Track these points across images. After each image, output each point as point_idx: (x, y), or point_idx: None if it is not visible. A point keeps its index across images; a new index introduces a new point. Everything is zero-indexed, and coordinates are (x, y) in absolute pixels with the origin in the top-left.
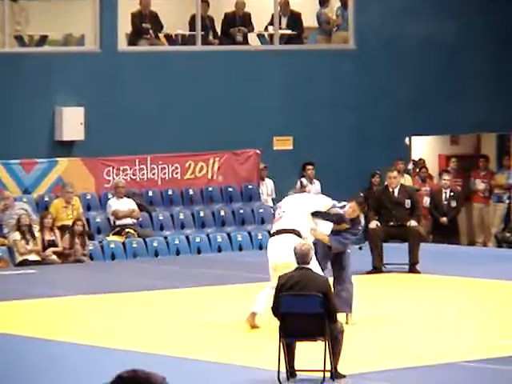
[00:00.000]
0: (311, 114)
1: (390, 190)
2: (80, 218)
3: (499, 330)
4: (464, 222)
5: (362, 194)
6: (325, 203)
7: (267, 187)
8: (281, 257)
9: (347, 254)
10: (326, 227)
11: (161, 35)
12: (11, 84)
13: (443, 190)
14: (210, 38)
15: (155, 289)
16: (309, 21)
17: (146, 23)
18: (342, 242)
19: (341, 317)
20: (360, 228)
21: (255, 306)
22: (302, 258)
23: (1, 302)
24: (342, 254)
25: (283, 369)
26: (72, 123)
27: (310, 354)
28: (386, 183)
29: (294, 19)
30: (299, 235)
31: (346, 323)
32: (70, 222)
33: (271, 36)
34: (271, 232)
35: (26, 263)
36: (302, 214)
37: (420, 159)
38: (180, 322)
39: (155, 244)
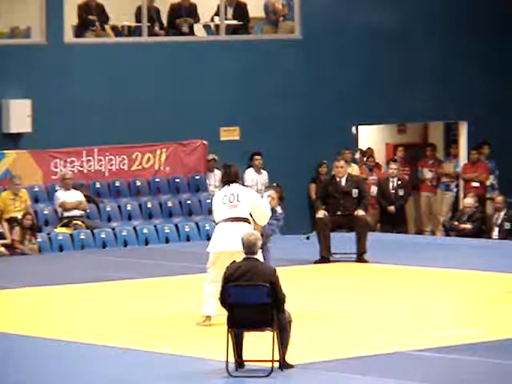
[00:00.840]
0: (258, 105)
1: (337, 179)
2: (28, 210)
3: (445, 320)
4: (412, 211)
5: (275, 184)
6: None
7: (215, 179)
8: (234, 245)
9: (267, 247)
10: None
11: (107, 27)
12: None
13: (391, 179)
14: (156, 29)
15: (103, 280)
16: (254, 11)
17: (92, 15)
18: (270, 227)
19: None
20: (278, 214)
21: (206, 308)
22: (249, 248)
23: None
24: (264, 246)
25: (232, 359)
26: (19, 116)
27: (258, 344)
28: (332, 173)
29: (240, 9)
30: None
31: None
32: (18, 214)
33: (217, 27)
34: (222, 218)
35: None
36: (248, 206)
37: (368, 148)
38: (128, 313)
39: (103, 235)
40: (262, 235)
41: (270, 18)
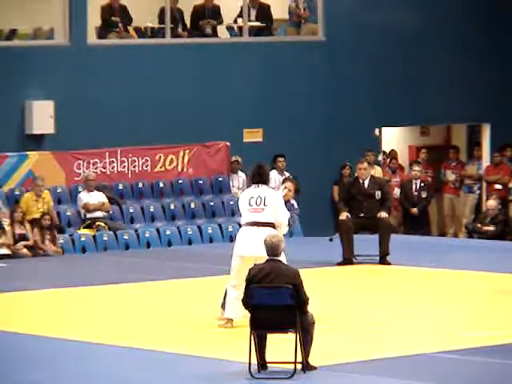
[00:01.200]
0: (281, 106)
1: (361, 181)
2: (49, 211)
3: (469, 322)
4: (434, 213)
5: (292, 176)
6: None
7: (239, 180)
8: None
9: None
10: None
11: (130, 28)
12: None
13: (413, 181)
14: (180, 30)
15: (126, 282)
16: (278, 13)
17: (115, 16)
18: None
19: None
20: (294, 209)
21: (229, 311)
22: (272, 250)
23: None
24: None
25: (254, 361)
26: (42, 117)
27: (281, 346)
28: (356, 174)
29: (263, 11)
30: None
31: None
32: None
33: (240, 28)
34: (247, 221)
35: None
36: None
37: (392, 150)
38: (151, 314)
39: (126, 237)
40: None
41: (293, 20)
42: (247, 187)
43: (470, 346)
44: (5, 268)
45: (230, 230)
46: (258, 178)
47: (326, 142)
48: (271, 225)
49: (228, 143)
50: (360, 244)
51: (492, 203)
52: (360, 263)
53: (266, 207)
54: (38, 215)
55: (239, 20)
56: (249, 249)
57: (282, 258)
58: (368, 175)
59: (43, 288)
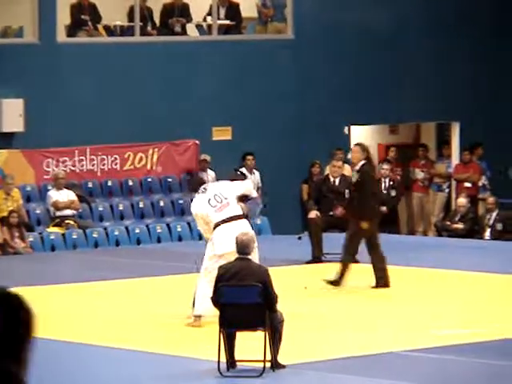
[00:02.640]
0: (250, 105)
1: (331, 179)
2: (18, 209)
3: (438, 319)
4: (404, 211)
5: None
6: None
7: (208, 178)
8: None
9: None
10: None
11: (100, 26)
12: None
13: (383, 180)
14: (149, 29)
15: (95, 280)
16: (247, 11)
17: (84, 14)
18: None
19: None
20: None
21: (197, 307)
22: (242, 248)
23: None
24: None
25: (223, 359)
26: (11, 115)
27: (250, 344)
28: (326, 173)
29: (233, 9)
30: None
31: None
32: None
33: (210, 26)
34: (220, 219)
35: None
36: (236, 199)
37: None
38: (119, 312)
39: (95, 235)
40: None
41: (261, 19)
42: (191, 197)
43: (441, 344)
44: None
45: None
46: (196, 183)
47: (294, 140)
48: (242, 217)
49: (197, 141)
50: (329, 242)
51: (462, 201)
52: (329, 261)
53: (227, 199)
54: (7, 213)
55: (208, 18)
56: (229, 246)
57: (255, 255)
58: (340, 173)
59: (11, 286)
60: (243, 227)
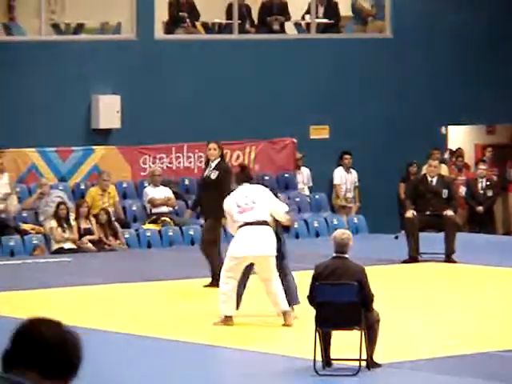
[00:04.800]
0: (348, 103)
1: (429, 178)
2: (117, 206)
3: None
4: (500, 212)
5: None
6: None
7: (303, 176)
8: (260, 249)
9: (284, 240)
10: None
11: (198, 24)
12: (48, 72)
13: (479, 180)
14: (247, 26)
15: (192, 277)
16: (346, 10)
17: (182, 12)
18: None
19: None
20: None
21: (226, 308)
22: (340, 247)
23: (37, 290)
24: (280, 242)
25: (319, 358)
26: (108, 111)
27: (346, 343)
28: (423, 172)
29: (331, 8)
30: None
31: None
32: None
33: (308, 25)
34: (242, 222)
35: (61, 251)
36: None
37: (458, 148)
38: (215, 311)
39: (191, 232)
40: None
41: (359, 18)
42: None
43: None
44: (69, 262)
45: (295, 226)
46: (242, 177)
47: (392, 139)
48: (264, 222)
49: (294, 140)
50: (426, 242)
51: None
52: (425, 261)
53: (254, 204)
54: (99, 210)
55: (307, 17)
56: (246, 249)
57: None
58: (437, 173)
59: (107, 283)
60: (264, 232)
